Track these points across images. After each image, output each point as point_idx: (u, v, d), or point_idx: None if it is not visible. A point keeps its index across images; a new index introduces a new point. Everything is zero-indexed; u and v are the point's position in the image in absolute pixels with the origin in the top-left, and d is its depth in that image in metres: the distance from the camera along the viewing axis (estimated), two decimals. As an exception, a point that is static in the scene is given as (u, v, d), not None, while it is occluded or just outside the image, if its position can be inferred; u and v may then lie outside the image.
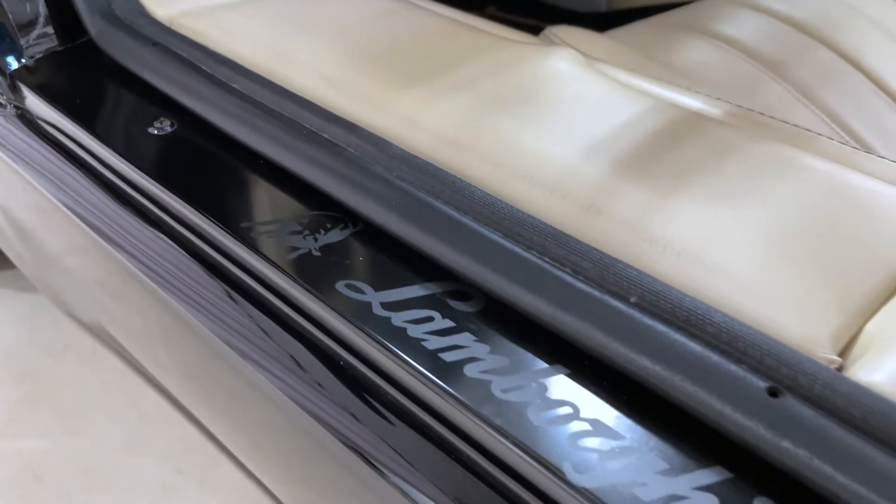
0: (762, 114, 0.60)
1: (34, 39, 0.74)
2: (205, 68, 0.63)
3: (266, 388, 0.53)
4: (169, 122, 0.63)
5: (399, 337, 0.44)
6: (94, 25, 0.72)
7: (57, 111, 0.68)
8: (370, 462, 0.45)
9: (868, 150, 0.96)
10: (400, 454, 0.44)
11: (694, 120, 0.56)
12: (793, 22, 1.05)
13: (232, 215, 0.54)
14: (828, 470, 0.34)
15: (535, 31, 0.90)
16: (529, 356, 0.43)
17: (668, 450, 0.37)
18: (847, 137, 0.94)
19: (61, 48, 0.75)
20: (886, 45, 1.06)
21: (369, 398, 0.45)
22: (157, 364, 0.93)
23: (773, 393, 0.36)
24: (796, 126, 0.58)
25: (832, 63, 1.01)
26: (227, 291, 0.55)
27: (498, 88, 0.59)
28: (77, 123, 0.65)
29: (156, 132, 0.63)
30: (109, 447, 1.23)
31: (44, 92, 0.70)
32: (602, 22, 1.11)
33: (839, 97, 0.97)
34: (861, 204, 0.48)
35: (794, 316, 0.41)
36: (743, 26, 1.03)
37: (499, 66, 0.62)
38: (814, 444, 0.34)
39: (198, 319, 0.57)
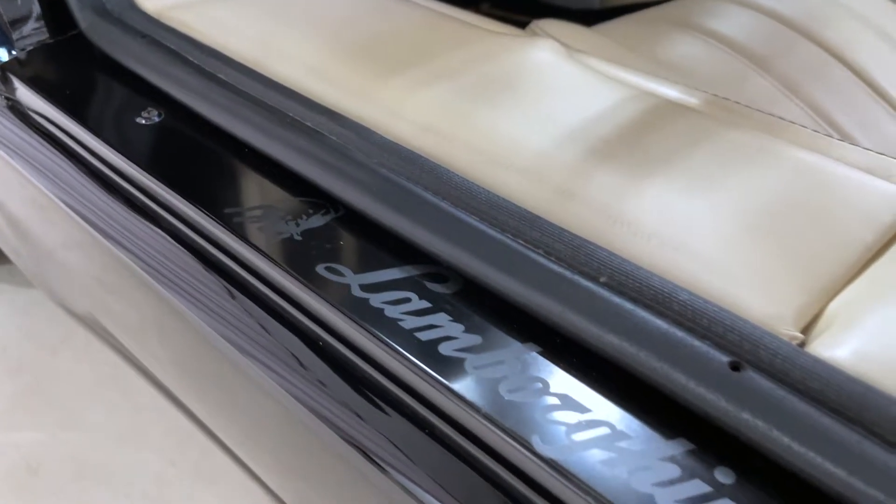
0: (738, 103, 0.61)
1: (25, 32, 0.75)
2: (192, 59, 0.64)
3: (251, 373, 0.54)
4: (157, 113, 0.64)
5: (376, 317, 0.45)
6: (84, 18, 0.73)
7: (47, 102, 0.69)
8: (349, 441, 0.46)
9: (851, 142, 0.97)
10: (379, 431, 0.45)
11: (669, 108, 0.57)
12: (779, 17, 1.06)
13: (216, 202, 0.55)
14: (785, 440, 0.35)
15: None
16: (503, 335, 0.44)
17: (634, 423, 0.39)
18: (831, 130, 0.95)
19: (52, 41, 0.76)
20: (871, 39, 1.07)
21: (347, 377, 0.46)
22: (147, 352, 0.94)
23: (734, 367, 0.37)
24: (771, 115, 0.60)
25: (817, 57, 1.02)
26: (212, 277, 0.56)
27: (478, 78, 0.60)
28: (66, 114, 0.66)
29: (143, 122, 0.64)
30: (104, 439, 1.24)
31: (34, 84, 0.71)
32: (596, 19, 1.12)
33: (823, 91, 0.98)
34: (830, 189, 0.49)
35: (759, 295, 0.42)
36: (729, 21, 1.04)
37: (480, 57, 0.63)
38: (772, 416, 0.35)
39: (185, 306, 0.58)
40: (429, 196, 0.49)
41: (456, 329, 0.44)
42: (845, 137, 0.95)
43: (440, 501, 0.40)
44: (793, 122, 0.58)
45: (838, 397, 0.35)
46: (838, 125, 0.97)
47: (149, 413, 1.28)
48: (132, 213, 0.62)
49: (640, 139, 0.53)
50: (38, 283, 1.26)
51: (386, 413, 0.44)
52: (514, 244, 0.45)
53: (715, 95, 0.62)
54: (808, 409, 0.35)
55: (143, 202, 0.61)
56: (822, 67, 1.01)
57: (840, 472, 0.33)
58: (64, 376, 1.34)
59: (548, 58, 0.63)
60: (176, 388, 1.00)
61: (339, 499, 0.62)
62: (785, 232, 0.46)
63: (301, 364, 0.49)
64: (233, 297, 0.55)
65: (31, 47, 0.75)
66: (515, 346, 0.43)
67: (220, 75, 0.62)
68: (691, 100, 0.61)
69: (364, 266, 0.49)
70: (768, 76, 0.96)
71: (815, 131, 0.58)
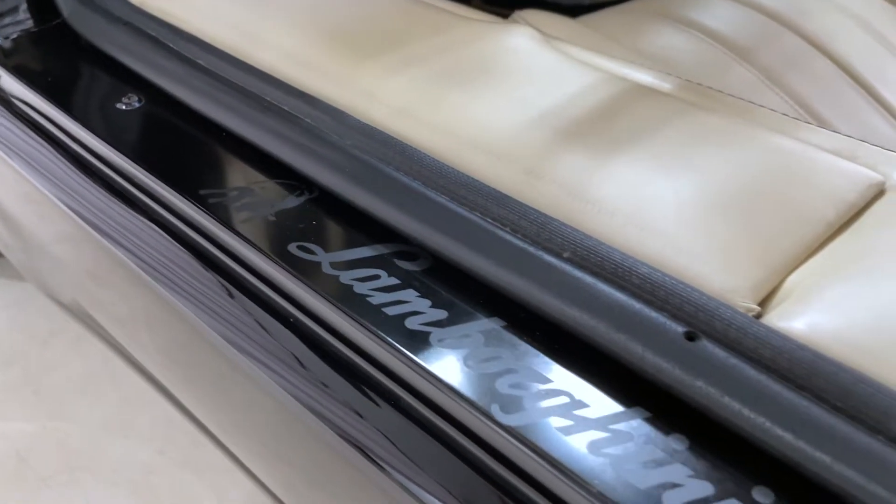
0: (710, 88, 0.62)
1: (10, 21, 0.76)
2: (171, 46, 0.65)
3: (230, 356, 0.55)
4: (137, 98, 0.65)
5: (345, 293, 0.46)
6: (66, 6, 0.73)
7: (30, 90, 0.70)
8: (322, 418, 0.47)
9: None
10: (348, 405, 0.46)
11: (640, 92, 0.58)
12: (762, 9, 1.07)
13: (193, 184, 0.56)
14: (736, 406, 0.36)
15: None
16: (469, 309, 0.45)
17: (593, 392, 0.39)
18: (810, 119, 0.96)
19: (36, 29, 0.76)
20: (853, 30, 1.08)
21: (319, 353, 0.47)
22: (133, 340, 0.94)
23: (690, 337, 0.38)
24: (742, 99, 0.60)
25: (799, 48, 1.03)
26: (190, 260, 0.57)
27: (453, 63, 0.61)
28: (48, 101, 0.67)
29: (124, 107, 0.65)
30: (93, 429, 1.25)
31: (18, 71, 0.72)
32: (585, 11, 1.13)
33: (805, 81, 0.99)
34: (795, 169, 0.50)
35: (718, 269, 0.42)
36: (713, 13, 1.05)
37: (456, 43, 0.64)
38: (725, 383, 0.36)
39: (166, 291, 0.59)
40: (400, 176, 0.50)
41: (423, 304, 0.45)
42: (824, 125, 0.96)
43: (404, 468, 0.41)
44: (763, 106, 0.59)
45: (789, 365, 0.36)
46: (818, 113, 0.97)
47: (138, 403, 1.29)
48: (112, 199, 0.63)
49: (610, 121, 0.54)
50: (29, 275, 1.27)
51: (355, 387, 0.45)
52: (481, 222, 0.46)
53: (688, 81, 0.63)
54: (759, 377, 0.36)
55: (122, 186, 0.62)
56: (804, 58, 1.02)
57: (788, 436, 0.34)
58: (54, 368, 1.35)
59: (523, 44, 0.64)
60: (163, 376, 1.00)
61: (324, 482, 0.63)
62: (747, 210, 0.46)
63: (274, 340, 0.50)
64: (209, 279, 0.56)
65: (15, 35, 0.76)
66: (481, 320, 0.44)
67: (198, 61, 0.62)
68: (664, 85, 0.62)
69: (335, 245, 0.50)
70: (750, 66, 0.97)
71: (785, 115, 0.59)
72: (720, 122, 0.54)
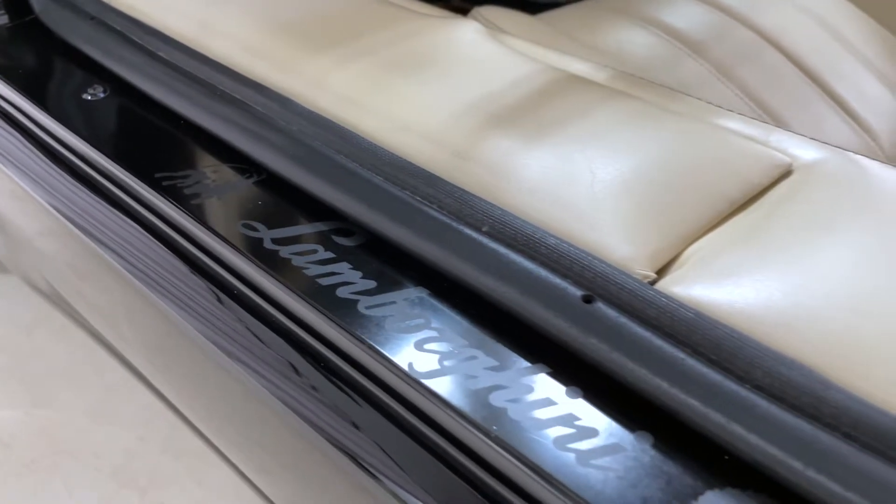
0: (641, 78, 0.65)
1: (-15, 17, 0.79)
2: (134, 39, 0.68)
3: (189, 333, 0.59)
4: (102, 89, 0.69)
5: (283, 266, 0.50)
6: (38, 3, 0.77)
7: (3, 83, 0.73)
8: (264, 382, 0.51)
9: (782, 125, 1.02)
10: (285, 373, 0.50)
11: (572, 81, 0.61)
12: (718, 5, 1.11)
13: (150, 168, 0.60)
14: (629, 365, 0.39)
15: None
16: (396, 280, 0.48)
17: (501, 350, 0.43)
18: (761, 112, 1.00)
19: (9, 25, 0.80)
20: (807, 24, 1.12)
21: (259, 321, 0.51)
22: (110, 327, 0.98)
23: (587, 300, 0.42)
24: (671, 89, 0.64)
25: (752, 43, 1.07)
26: (153, 243, 0.61)
27: (399, 54, 0.65)
28: (19, 93, 0.71)
29: (90, 98, 0.68)
30: (75, 416, 1.28)
31: (-9, 65, 0.75)
32: (549, 8, 1.16)
33: (756, 75, 1.03)
34: (706, 151, 0.54)
35: (621, 240, 0.46)
36: (670, 9, 1.09)
37: (405, 36, 0.68)
38: (615, 340, 0.40)
39: (130, 273, 0.62)
40: (339, 158, 0.53)
41: (354, 276, 0.49)
42: (775, 118, 1.00)
43: (332, 420, 0.45)
44: (687, 94, 0.63)
45: (671, 323, 0.40)
46: (770, 108, 1.01)
47: (120, 391, 1.33)
48: (80, 187, 0.67)
49: (539, 109, 0.57)
50: (11, 266, 1.30)
51: (285, 349, 0.49)
52: (410, 200, 0.50)
53: (621, 71, 0.66)
54: (644, 334, 0.40)
55: (88, 174, 0.66)
56: (757, 52, 1.06)
57: (663, 384, 0.38)
58: (38, 356, 1.39)
59: (468, 37, 0.68)
60: (141, 364, 1.04)
61: (290, 461, 0.66)
62: (656, 188, 0.50)
63: (226, 314, 0.54)
64: (170, 262, 0.59)
65: (-11, 30, 0.79)
66: (407, 289, 0.48)
67: (158, 53, 0.66)
68: (598, 75, 0.66)
69: (278, 223, 0.53)
70: (702, 60, 1.01)
71: (710, 103, 0.63)
72: (641, 108, 0.57)
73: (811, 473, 0.32)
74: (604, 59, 0.85)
